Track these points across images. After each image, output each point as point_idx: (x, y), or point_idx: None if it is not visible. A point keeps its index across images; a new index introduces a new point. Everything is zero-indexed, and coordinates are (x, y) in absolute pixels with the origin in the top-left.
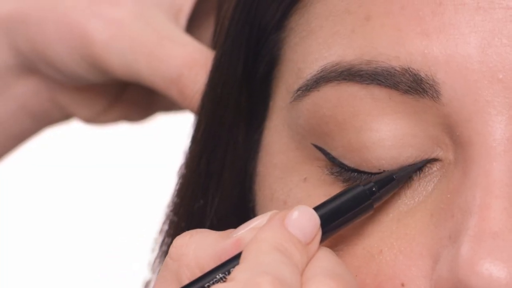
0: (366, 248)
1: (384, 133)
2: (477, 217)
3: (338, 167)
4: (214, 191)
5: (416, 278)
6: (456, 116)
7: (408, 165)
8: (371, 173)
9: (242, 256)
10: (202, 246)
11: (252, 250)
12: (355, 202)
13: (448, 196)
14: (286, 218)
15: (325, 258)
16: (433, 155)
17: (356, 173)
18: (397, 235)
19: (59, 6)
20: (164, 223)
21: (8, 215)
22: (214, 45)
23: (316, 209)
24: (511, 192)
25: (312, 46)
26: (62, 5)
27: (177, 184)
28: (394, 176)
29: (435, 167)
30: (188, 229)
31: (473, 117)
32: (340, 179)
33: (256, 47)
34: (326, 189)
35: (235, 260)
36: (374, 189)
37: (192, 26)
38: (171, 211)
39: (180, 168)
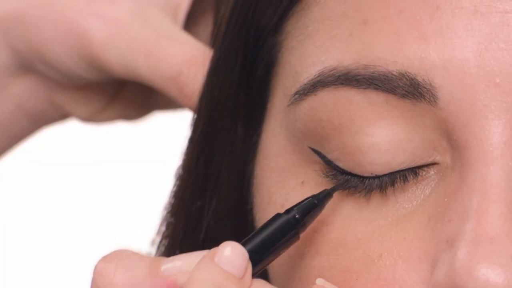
0: (366, 252)
1: (379, 137)
2: (474, 221)
3: (333, 170)
4: (212, 192)
5: (415, 283)
6: (453, 120)
7: (329, 189)
8: (363, 177)
9: None
10: (130, 279)
11: None
12: (282, 232)
13: (446, 200)
14: (216, 256)
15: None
16: (430, 159)
17: (349, 176)
18: (396, 239)
19: (57, 5)
20: (161, 224)
21: (6, 215)
22: (212, 45)
23: (244, 243)
24: (508, 196)
25: (309, 49)
26: (60, 4)
27: (174, 185)
28: (315, 201)
29: (432, 170)
30: (186, 230)
31: (470, 121)
32: (335, 182)
33: (254, 49)
34: None
35: None
36: (297, 216)
37: (190, 24)
38: (168, 212)
39: (178, 169)
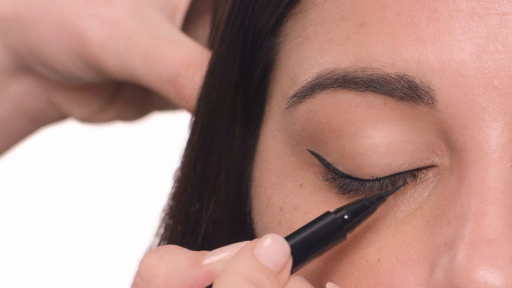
0: (364, 258)
1: (378, 140)
2: (472, 224)
3: (332, 173)
4: (210, 195)
5: (414, 286)
6: (451, 122)
7: (383, 192)
8: (363, 180)
9: None
10: (173, 271)
11: (223, 282)
12: (327, 231)
13: (444, 202)
14: (255, 247)
15: (297, 286)
16: (429, 162)
17: (349, 180)
18: (394, 243)
19: (55, 6)
20: (159, 226)
21: (5, 215)
22: (209, 47)
23: (288, 238)
24: (507, 199)
25: (307, 52)
26: (57, 5)
27: (172, 188)
28: (366, 203)
29: (430, 173)
30: (184, 232)
31: (469, 123)
32: (334, 185)
33: (252, 52)
34: (322, 195)
35: None
36: (346, 217)
37: (188, 25)
38: (167, 214)
39: (176, 171)
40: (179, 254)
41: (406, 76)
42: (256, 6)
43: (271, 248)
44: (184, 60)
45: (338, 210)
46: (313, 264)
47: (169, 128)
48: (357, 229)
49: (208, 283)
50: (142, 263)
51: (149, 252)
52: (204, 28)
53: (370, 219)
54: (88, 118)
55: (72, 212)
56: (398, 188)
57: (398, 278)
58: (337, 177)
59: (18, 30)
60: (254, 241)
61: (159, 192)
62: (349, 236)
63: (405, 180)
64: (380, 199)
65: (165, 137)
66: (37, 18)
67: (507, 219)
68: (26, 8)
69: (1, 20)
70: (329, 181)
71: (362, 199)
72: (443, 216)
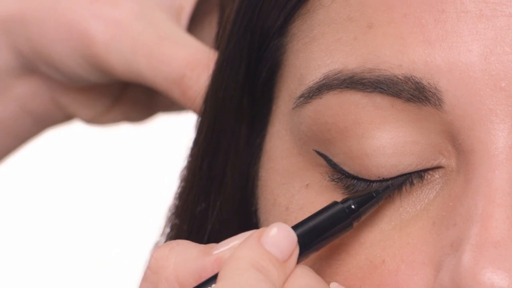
0: (369, 258)
1: (385, 140)
2: (479, 226)
3: (339, 173)
4: (216, 194)
5: (418, 287)
6: (458, 124)
7: (389, 182)
8: (370, 181)
9: (219, 275)
10: (182, 261)
11: (229, 268)
12: (334, 220)
13: (450, 204)
14: (262, 236)
15: (303, 275)
16: (435, 163)
17: (356, 180)
18: (399, 244)
19: (59, 6)
20: (165, 225)
21: (10, 216)
22: (216, 47)
23: (295, 227)
24: None
25: (315, 52)
26: (62, 5)
27: (179, 187)
28: (373, 194)
29: (437, 174)
30: (190, 232)
31: (476, 125)
32: (340, 185)
33: (259, 51)
34: (328, 195)
35: (214, 279)
36: (353, 206)
37: (194, 25)
38: (173, 214)
39: (182, 171)
40: (189, 246)
41: (413, 77)
42: (264, 6)
43: (278, 236)
44: (189, 60)
45: (345, 200)
46: (317, 264)
47: (174, 128)
48: (362, 230)
49: (216, 271)
50: (152, 256)
51: (160, 246)
52: (210, 28)
53: (374, 220)
54: (94, 119)
55: (78, 212)
56: (406, 179)
57: (403, 279)
58: (343, 178)
59: (22, 31)
60: (261, 229)
61: (164, 192)
62: (354, 237)
63: (412, 181)
64: (387, 189)
65: (171, 137)
66: (41, 18)
67: None
68: (30, 9)
69: (5, 21)
70: (335, 181)
71: (368, 189)
72: (449, 217)
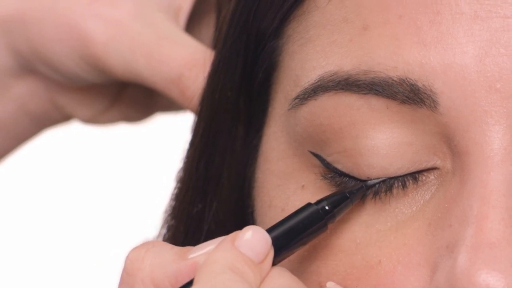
0: (365, 259)
1: (379, 141)
2: (474, 227)
3: (332, 171)
4: (213, 195)
5: None
6: (453, 125)
7: (363, 183)
8: (360, 180)
9: (195, 279)
10: (158, 263)
11: (204, 272)
12: (308, 222)
13: (446, 205)
14: (237, 239)
15: (279, 275)
16: (431, 164)
17: (347, 178)
18: (395, 245)
19: (58, 6)
20: (162, 227)
21: (9, 216)
22: (213, 47)
23: (269, 229)
24: (509, 202)
25: (310, 54)
26: (61, 5)
27: (175, 188)
28: (347, 194)
29: (432, 175)
30: (187, 233)
31: (471, 126)
32: (332, 183)
33: (255, 53)
34: (323, 195)
35: (190, 284)
36: (327, 207)
37: (192, 25)
38: (169, 215)
39: (178, 172)
40: (165, 248)
41: (408, 79)
42: (259, 8)
43: (252, 239)
44: (188, 60)
45: (319, 202)
46: (313, 264)
47: (173, 128)
48: (358, 231)
49: (192, 276)
50: (128, 258)
51: (135, 247)
52: (208, 28)
53: (370, 221)
54: (92, 119)
55: (74, 212)
56: (381, 181)
57: (399, 280)
58: (336, 175)
59: (21, 30)
60: (234, 233)
61: (162, 193)
62: (348, 236)
63: (404, 183)
64: (360, 189)
65: (169, 138)
66: (40, 18)
67: (509, 222)
68: (29, 9)
69: (4, 21)
70: (328, 179)
71: (342, 190)
72: (444, 218)
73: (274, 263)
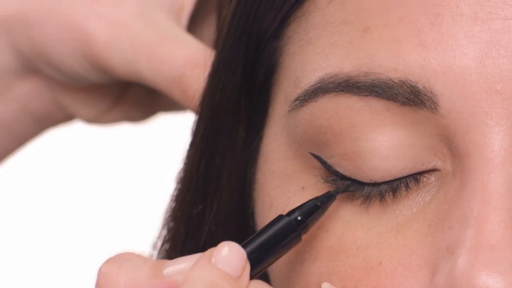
0: (366, 260)
1: (380, 143)
2: (474, 229)
3: (333, 175)
4: (213, 196)
5: None
6: (454, 127)
7: (332, 191)
8: (363, 183)
9: None
10: (133, 280)
11: None
12: (282, 233)
13: (446, 207)
14: (213, 256)
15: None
16: (431, 165)
17: (349, 182)
18: (396, 246)
19: (60, 6)
20: (162, 228)
21: (11, 216)
22: (214, 48)
23: (245, 244)
24: (509, 204)
25: (310, 55)
26: (63, 5)
27: (175, 189)
28: (318, 203)
29: (433, 177)
30: (187, 234)
31: (471, 128)
32: (334, 187)
33: (255, 53)
34: None
35: None
36: (299, 218)
37: (194, 25)
38: (169, 216)
39: (179, 173)
40: (138, 263)
41: (408, 81)
42: (259, 8)
43: (228, 255)
44: (189, 60)
45: (290, 213)
46: (314, 265)
47: (175, 128)
48: (359, 232)
49: None
50: (100, 272)
51: (108, 260)
52: (210, 28)
53: (371, 222)
54: (95, 119)
55: (74, 213)
56: (347, 187)
57: (399, 281)
58: (338, 179)
59: (23, 30)
60: (209, 250)
61: (164, 193)
62: (349, 238)
63: (407, 184)
64: (331, 197)
65: (171, 137)
66: (42, 18)
67: (509, 224)
68: (31, 9)
69: (6, 21)
70: (330, 183)
71: (313, 199)
72: (445, 220)
73: (252, 277)
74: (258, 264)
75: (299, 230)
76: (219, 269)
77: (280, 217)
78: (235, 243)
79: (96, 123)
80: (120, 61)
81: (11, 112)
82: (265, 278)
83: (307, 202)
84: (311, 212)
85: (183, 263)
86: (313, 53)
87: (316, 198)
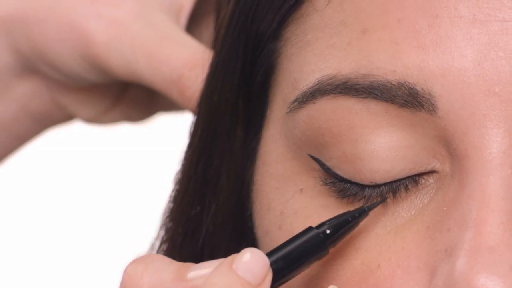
0: (365, 263)
1: (379, 145)
2: (473, 231)
3: (332, 177)
4: (211, 197)
5: None
6: (452, 129)
7: (365, 206)
8: (363, 185)
9: None
10: (157, 281)
11: None
12: (309, 246)
13: (445, 209)
14: (234, 261)
15: None
16: (430, 167)
17: (349, 184)
18: (394, 248)
19: (59, 6)
20: (160, 228)
21: (11, 216)
22: (213, 49)
23: (269, 253)
24: (507, 206)
25: (308, 57)
26: (62, 5)
27: (173, 190)
28: (349, 218)
29: (431, 179)
30: (185, 235)
31: (470, 130)
32: (333, 189)
33: (253, 55)
34: (322, 200)
35: None
36: (328, 231)
37: (193, 25)
38: (167, 217)
39: (176, 174)
40: (164, 265)
41: (407, 83)
42: (258, 10)
43: (250, 261)
44: (188, 60)
45: (320, 225)
46: (313, 269)
47: (174, 128)
48: (358, 235)
49: None
50: (126, 272)
51: (134, 261)
52: (209, 28)
53: (370, 225)
54: (94, 119)
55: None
56: (382, 202)
57: (398, 283)
58: (337, 182)
59: (22, 30)
60: (232, 256)
61: (163, 193)
62: (350, 242)
63: (407, 186)
64: (363, 213)
65: (170, 138)
66: (41, 18)
67: (508, 226)
68: (30, 9)
69: (5, 21)
70: (328, 185)
71: (344, 213)
72: (443, 222)
73: (273, 287)
74: (281, 275)
75: (327, 244)
76: (238, 275)
77: (309, 229)
78: (258, 249)
79: (96, 123)
80: (119, 61)
81: (10, 112)
82: None
83: (339, 216)
84: (341, 226)
85: (207, 268)
86: (311, 55)
87: (348, 213)
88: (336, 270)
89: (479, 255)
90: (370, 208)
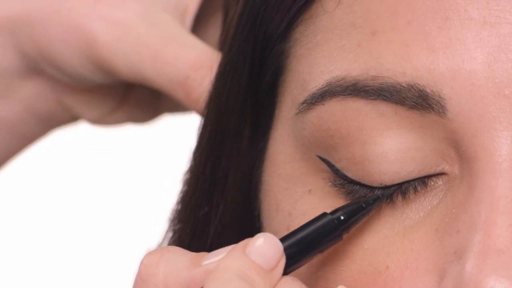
0: (373, 264)
1: (388, 147)
2: (482, 233)
3: (341, 179)
4: (219, 198)
5: None
6: (462, 131)
7: (379, 193)
8: (372, 187)
9: (204, 286)
10: (172, 270)
11: (214, 279)
12: (323, 231)
13: (454, 211)
14: (248, 246)
15: (289, 284)
16: (439, 169)
17: (358, 186)
18: (403, 250)
19: (64, 7)
20: (168, 229)
21: (15, 217)
22: (220, 49)
23: (283, 238)
24: None
25: (318, 58)
26: (66, 6)
27: (181, 191)
28: (363, 205)
29: (440, 181)
30: (193, 236)
31: (479, 132)
32: (343, 191)
33: (262, 55)
34: (330, 201)
35: None
36: (342, 217)
37: (198, 26)
38: (175, 217)
39: (185, 175)
40: (179, 254)
41: (417, 85)
42: (267, 11)
43: (264, 246)
44: (194, 62)
45: (334, 211)
46: (321, 270)
47: (179, 130)
48: (366, 236)
49: None
50: (142, 263)
51: (149, 252)
52: (214, 29)
53: (378, 226)
54: (99, 120)
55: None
56: (395, 190)
57: (406, 285)
58: (346, 183)
59: (27, 31)
60: (246, 240)
61: (169, 194)
62: (355, 242)
63: (416, 188)
64: (377, 200)
65: (175, 139)
66: (45, 19)
67: None
68: (34, 10)
69: (10, 22)
70: (337, 187)
71: (359, 200)
72: (452, 224)
73: (286, 272)
74: (294, 260)
75: (341, 230)
76: (251, 259)
77: (323, 214)
78: (271, 234)
79: (101, 124)
80: (124, 62)
81: (15, 113)
82: None
83: (352, 202)
84: (355, 212)
85: (222, 253)
86: (320, 56)
87: (362, 199)
88: (343, 271)
89: (488, 257)
90: (385, 195)
